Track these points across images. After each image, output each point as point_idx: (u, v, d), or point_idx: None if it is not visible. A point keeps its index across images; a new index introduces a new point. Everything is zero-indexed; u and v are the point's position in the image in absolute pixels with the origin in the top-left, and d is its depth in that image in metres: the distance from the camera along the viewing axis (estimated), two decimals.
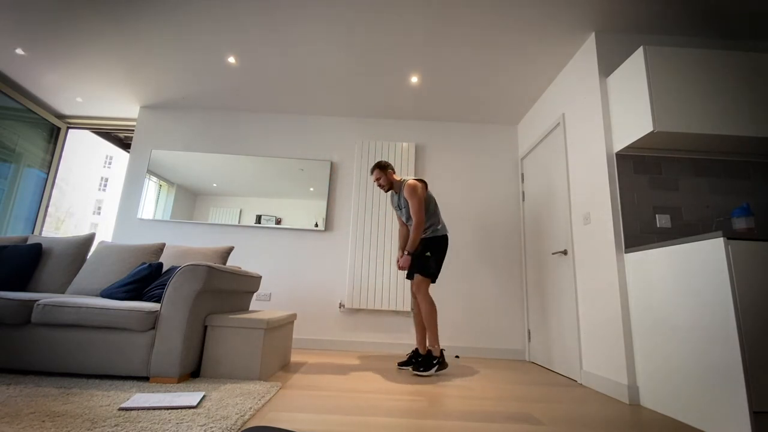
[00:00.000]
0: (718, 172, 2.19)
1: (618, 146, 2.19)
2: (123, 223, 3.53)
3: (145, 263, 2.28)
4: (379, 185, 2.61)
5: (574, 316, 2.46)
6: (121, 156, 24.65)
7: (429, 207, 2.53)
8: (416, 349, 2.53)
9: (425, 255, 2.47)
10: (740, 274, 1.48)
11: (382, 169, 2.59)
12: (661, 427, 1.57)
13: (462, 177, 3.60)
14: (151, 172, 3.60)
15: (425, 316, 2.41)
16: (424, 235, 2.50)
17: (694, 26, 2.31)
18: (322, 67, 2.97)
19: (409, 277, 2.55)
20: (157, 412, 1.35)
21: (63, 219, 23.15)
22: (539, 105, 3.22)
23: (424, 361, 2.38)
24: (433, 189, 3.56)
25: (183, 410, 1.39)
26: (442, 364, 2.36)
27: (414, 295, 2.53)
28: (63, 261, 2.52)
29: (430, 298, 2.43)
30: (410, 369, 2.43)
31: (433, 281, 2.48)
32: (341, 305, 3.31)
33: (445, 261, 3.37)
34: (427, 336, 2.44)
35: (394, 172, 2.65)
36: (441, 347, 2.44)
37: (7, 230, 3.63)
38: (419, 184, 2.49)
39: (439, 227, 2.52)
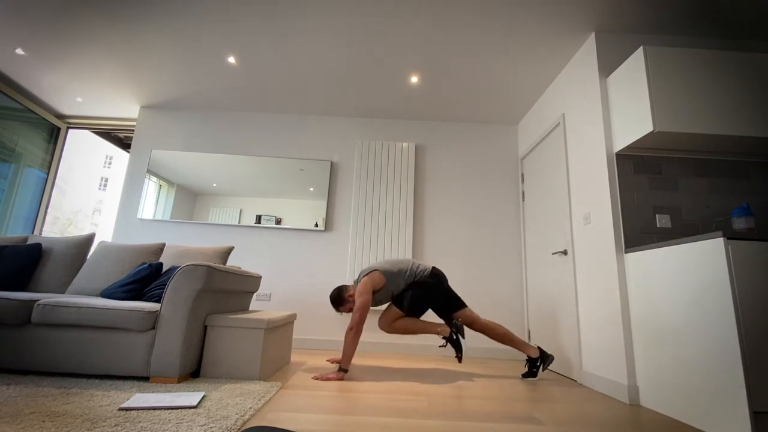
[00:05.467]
0: (718, 172, 2.19)
1: (618, 146, 2.19)
2: (123, 223, 3.53)
3: (145, 263, 2.28)
4: (349, 310, 2.42)
5: (574, 316, 2.46)
6: (121, 156, 24.61)
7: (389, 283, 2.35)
8: (528, 357, 2.41)
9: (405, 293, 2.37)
10: (740, 274, 1.48)
11: (337, 303, 2.41)
12: (661, 427, 1.57)
13: (462, 177, 3.60)
14: (151, 172, 3.60)
15: (404, 330, 2.33)
16: (412, 280, 2.38)
17: (694, 26, 2.31)
18: (322, 67, 2.97)
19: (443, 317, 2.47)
20: (157, 412, 1.35)
21: (71, 221, 23.09)
22: (539, 105, 3.22)
23: (529, 370, 2.38)
24: (432, 189, 3.57)
25: (183, 410, 1.39)
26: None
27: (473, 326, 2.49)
28: (63, 261, 2.52)
29: (400, 325, 2.33)
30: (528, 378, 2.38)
31: (408, 314, 2.34)
32: None
33: (444, 262, 3.41)
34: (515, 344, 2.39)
35: (348, 290, 2.43)
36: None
37: (7, 230, 3.63)
38: (371, 285, 2.28)
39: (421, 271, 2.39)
